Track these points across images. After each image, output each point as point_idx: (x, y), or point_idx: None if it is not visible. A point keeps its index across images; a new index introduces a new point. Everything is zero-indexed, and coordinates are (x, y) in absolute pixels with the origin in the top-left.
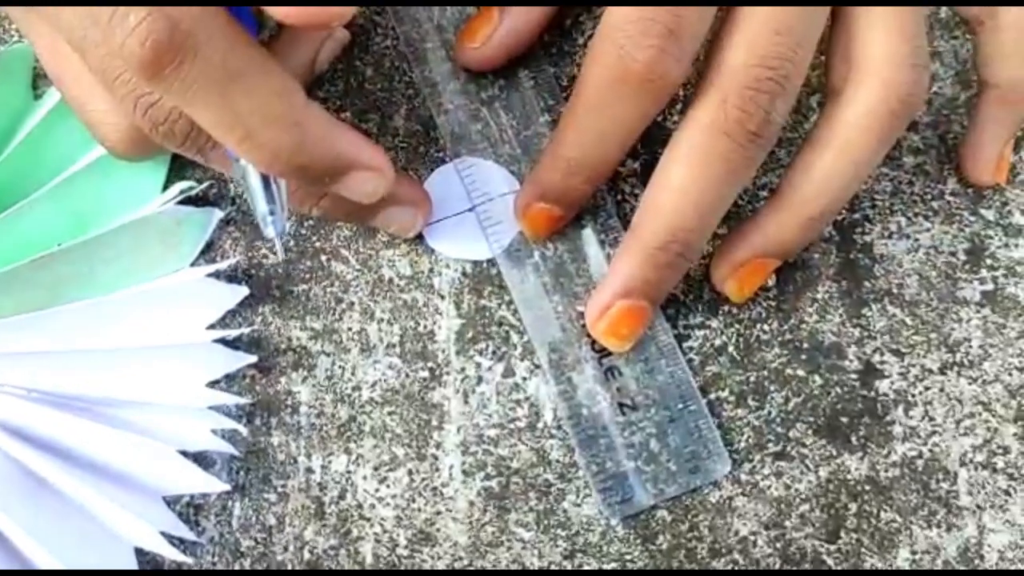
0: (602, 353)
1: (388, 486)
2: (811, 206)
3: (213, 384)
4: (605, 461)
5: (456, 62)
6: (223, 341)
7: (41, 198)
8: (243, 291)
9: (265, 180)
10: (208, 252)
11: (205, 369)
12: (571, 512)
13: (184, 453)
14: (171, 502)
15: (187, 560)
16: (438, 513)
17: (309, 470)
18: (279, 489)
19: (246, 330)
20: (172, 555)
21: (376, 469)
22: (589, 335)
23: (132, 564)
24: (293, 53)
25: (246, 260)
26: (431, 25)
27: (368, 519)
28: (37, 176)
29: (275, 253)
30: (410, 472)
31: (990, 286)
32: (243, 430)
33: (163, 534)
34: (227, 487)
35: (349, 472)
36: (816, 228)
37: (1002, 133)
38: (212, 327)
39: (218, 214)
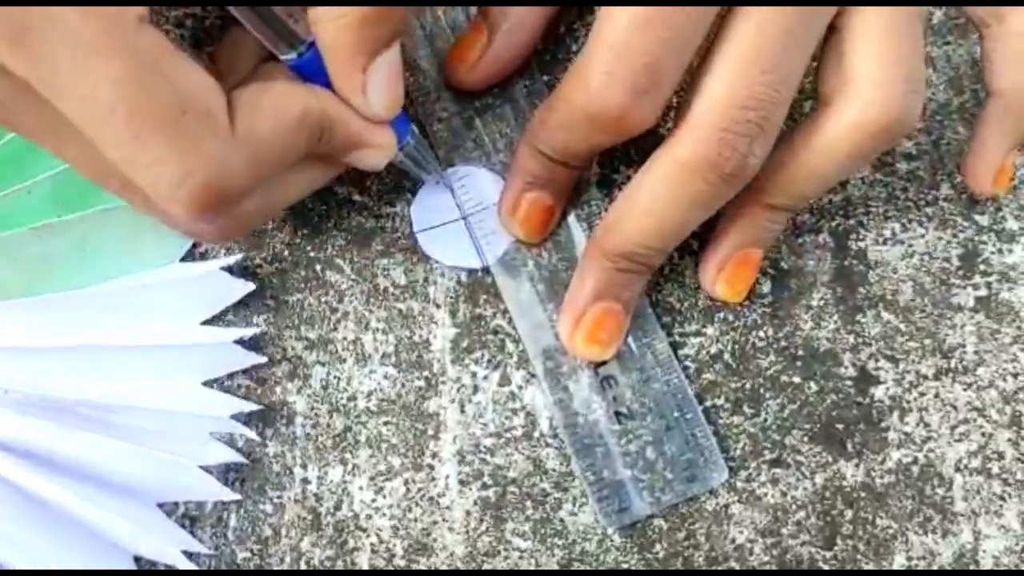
0: (598, 362)
1: (384, 496)
2: (780, 197)
3: (212, 383)
4: (602, 470)
5: (446, 81)
6: (240, 341)
7: (39, 183)
8: (248, 286)
9: (414, 158)
10: (202, 258)
11: (205, 368)
12: (568, 521)
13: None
14: (167, 513)
15: (192, 565)
16: (435, 523)
17: (305, 481)
18: (275, 500)
19: (257, 331)
20: (178, 563)
21: (372, 479)
22: None
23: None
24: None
25: (240, 270)
26: (423, 34)
27: (364, 530)
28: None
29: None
30: (406, 482)
31: (984, 291)
32: (251, 434)
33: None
34: (237, 496)
35: (345, 482)
36: (784, 216)
37: (1005, 142)
38: (207, 323)
39: None
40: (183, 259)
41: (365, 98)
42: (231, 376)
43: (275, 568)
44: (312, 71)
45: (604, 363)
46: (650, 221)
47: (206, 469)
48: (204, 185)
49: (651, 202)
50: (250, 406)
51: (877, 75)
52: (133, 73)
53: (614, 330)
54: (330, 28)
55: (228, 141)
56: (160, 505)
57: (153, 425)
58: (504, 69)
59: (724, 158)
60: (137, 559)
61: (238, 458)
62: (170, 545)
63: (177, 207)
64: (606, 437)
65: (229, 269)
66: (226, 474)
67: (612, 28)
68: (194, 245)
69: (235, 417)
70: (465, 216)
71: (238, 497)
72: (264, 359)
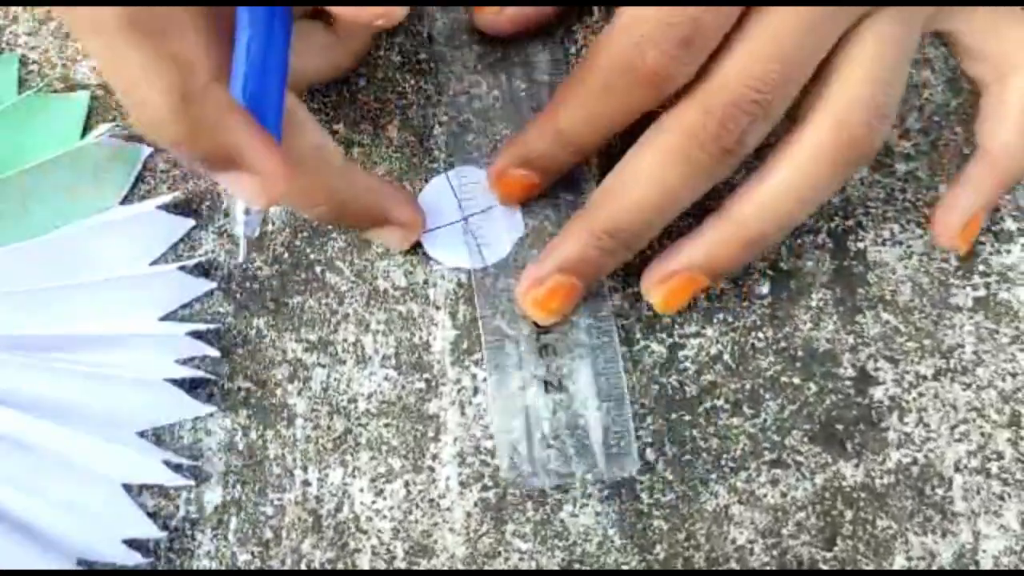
0: (542, 330)
1: (385, 498)
2: (750, 228)
3: (169, 315)
4: (517, 425)
5: (473, 22)
6: (185, 268)
7: None
8: (188, 223)
9: None
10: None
11: (160, 300)
12: (568, 522)
13: (173, 381)
14: (168, 517)
15: (185, 482)
16: (435, 524)
17: (306, 483)
18: (275, 502)
19: (201, 259)
20: (167, 480)
21: (373, 481)
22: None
23: (121, 499)
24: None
25: (240, 273)
26: (422, 38)
27: (365, 531)
28: None
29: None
30: (407, 484)
31: (982, 292)
32: (214, 352)
33: (164, 463)
34: (211, 409)
35: (346, 484)
36: (751, 252)
37: (980, 199)
38: (156, 262)
39: (147, 150)
40: (122, 203)
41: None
42: (231, 378)
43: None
44: None
45: (548, 331)
46: (644, 192)
47: (198, 475)
48: None
49: (648, 171)
50: (207, 325)
51: (846, 97)
52: None
53: (566, 304)
54: None
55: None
56: (140, 434)
57: (116, 360)
58: (528, 23)
59: (727, 130)
60: (127, 487)
61: (202, 375)
62: (152, 462)
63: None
64: (532, 400)
65: (165, 207)
66: (225, 475)
67: None
68: (133, 186)
69: (193, 335)
70: (466, 217)
71: (212, 410)
72: (214, 285)
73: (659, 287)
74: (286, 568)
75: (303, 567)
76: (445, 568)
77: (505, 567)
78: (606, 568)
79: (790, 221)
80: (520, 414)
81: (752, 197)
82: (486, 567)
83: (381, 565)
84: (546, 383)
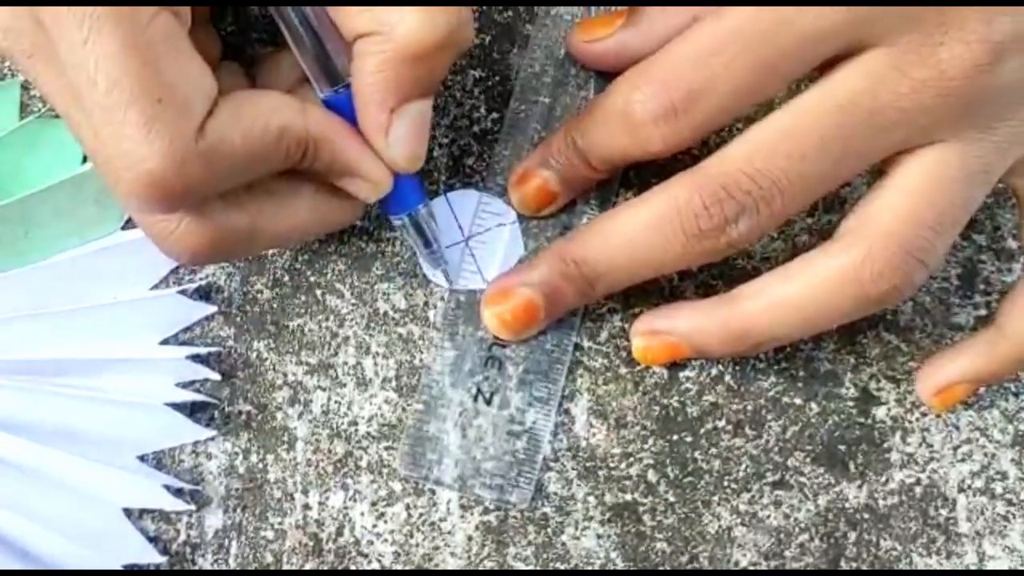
0: (496, 340)
1: (386, 521)
2: (742, 323)
3: (170, 339)
4: (430, 423)
5: (567, 47)
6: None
7: None
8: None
9: (419, 228)
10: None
11: (161, 324)
12: (570, 545)
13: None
14: (168, 542)
15: (186, 506)
16: (436, 548)
17: (306, 507)
18: (276, 526)
19: (202, 283)
20: (167, 505)
21: (374, 505)
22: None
23: (121, 524)
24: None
25: (240, 295)
26: None
27: (366, 555)
28: None
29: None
30: (408, 507)
31: (984, 311)
32: (214, 375)
33: (165, 487)
34: (212, 432)
35: (346, 508)
36: (737, 347)
37: (970, 372)
38: (157, 286)
39: None
40: (123, 228)
41: (386, 140)
42: (232, 401)
43: None
44: (343, 111)
45: (504, 346)
46: (623, 242)
47: (198, 499)
48: (151, 174)
49: (628, 228)
50: (207, 349)
51: (883, 230)
52: (124, 52)
53: (522, 323)
54: (371, 60)
55: (190, 138)
56: (141, 458)
57: (117, 383)
58: (613, 64)
59: (709, 212)
60: (128, 511)
61: (203, 398)
62: (152, 486)
63: (124, 189)
64: (455, 400)
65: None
66: (226, 499)
67: (685, 44)
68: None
69: (193, 358)
70: (467, 239)
71: (212, 433)
72: (214, 308)
73: (641, 338)
74: None
75: None
76: None
77: None
78: None
79: (786, 334)
80: (454, 412)
81: (760, 294)
82: None
83: None
84: (479, 391)
